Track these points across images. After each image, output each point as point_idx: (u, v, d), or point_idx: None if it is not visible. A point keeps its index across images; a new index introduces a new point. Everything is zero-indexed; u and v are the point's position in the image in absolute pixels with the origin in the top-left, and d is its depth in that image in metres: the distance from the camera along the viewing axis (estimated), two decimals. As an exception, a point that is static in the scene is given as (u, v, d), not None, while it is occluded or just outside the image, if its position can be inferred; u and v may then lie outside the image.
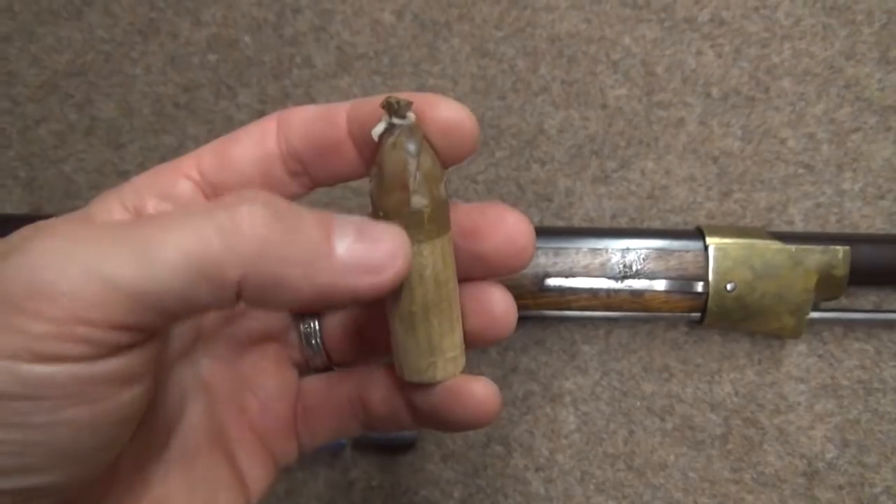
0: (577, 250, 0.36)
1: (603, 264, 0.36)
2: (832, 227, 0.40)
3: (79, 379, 0.16)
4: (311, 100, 0.42)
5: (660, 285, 0.35)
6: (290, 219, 0.18)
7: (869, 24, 0.41)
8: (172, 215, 0.18)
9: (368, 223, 0.19)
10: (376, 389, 0.24)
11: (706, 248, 0.36)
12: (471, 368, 0.41)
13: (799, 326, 0.36)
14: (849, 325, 0.39)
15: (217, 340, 0.24)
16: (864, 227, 0.40)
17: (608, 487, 0.38)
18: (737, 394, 0.39)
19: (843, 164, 0.40)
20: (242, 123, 0.42)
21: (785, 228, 0.40)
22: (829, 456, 0.38)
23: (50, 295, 0.16)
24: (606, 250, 0.36)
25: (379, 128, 0.19)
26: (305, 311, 0.25)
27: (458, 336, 0.21)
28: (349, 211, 0.41)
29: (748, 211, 0.40)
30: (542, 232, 0.37)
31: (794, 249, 0.35)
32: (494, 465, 0.39)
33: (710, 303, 0.35)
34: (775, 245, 0.35)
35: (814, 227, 0.40)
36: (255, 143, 0.22)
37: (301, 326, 0.25)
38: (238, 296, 0.18)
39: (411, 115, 0.19)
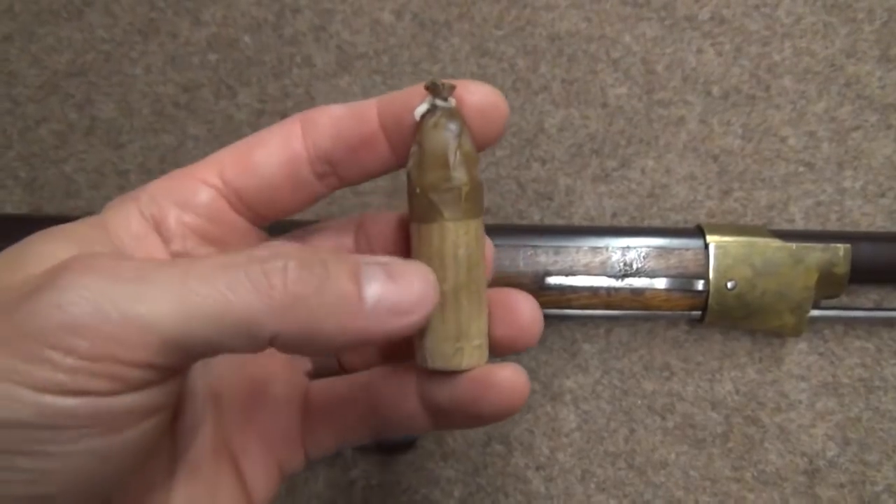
0: (578, 249, 0.36)
1: (603, 263, 0.36)
2: (833, 226, 0.40)
3: (100, 411, 0.16)
4: (311, 99, 0.42)
5: (660, 283, 0.35)
6: (320, 269, 0.18)
7: (870, 21, 0.41)
8: (210, 263, 0.18)
9: (396, 264, 0.19)
10: (390, 391, 0.23)
11: (706, 246, 0.36)
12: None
13: (800, 324, 0.36)
14: (850, 322, 0.39)
15: None
16: (864, 225, 0.40)
17: (609, 486, 0.38)
18: (738, 392, 0.39)
19: (843, 162, 0.40)
20: (242, 123, 0.42)
21: (786, 227, 0.40)
22: (830, 454, 0.38)
23: (84, 332, 0.16)
24: (607, 249, 0.36)
25: (422, 108, 0.20)
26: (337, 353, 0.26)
27: (484, 323, 0.21)
28: (348, 210, 0.41)
29: (749, 209, 0.40)
30: (543, 230, 0.37)
31: (794, 247, 0.35)
32: (495, 463, 0.39)
33: (710, 301, 0.35)
34: (776, 243, 0.35)
35: (814, 226, 0.40)
36: (279, 147, 0.21)
37: None
38: (270, 344, 0.18)
39: (452, 99, 0.20)
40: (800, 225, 0.40)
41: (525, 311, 0.22)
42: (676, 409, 0.39)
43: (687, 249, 0.36)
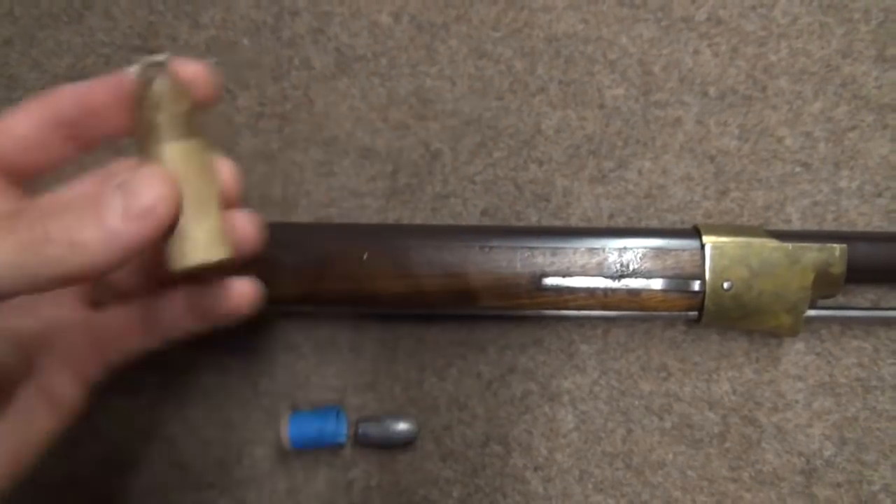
0: (575, 250, 0.36)
1: (600, 264, 0.36)
2: (829, 226, 0.40)
3: None
4: (309, 101, 0.42)
5: (657, 284, 0.36)
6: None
7: (866, 21, 0.41)
8: None
9: (130, 179, 0.22)
10: (165, 306, 0.29)
11: (703, 246, 0.36)
12: (468, 367, 0.41)
13: (796, 324, 0.36)
14: (846, 322, 0.39)
15: None
16: (861, 225, 0.40)
17: (607, 486, 0.39)
18: (735, 392, 0.39)
19: (840, 162, 0.40)
20: (242, 126, 0.42)
21: (782, 227, 0.40)
22: (827, 454, 0.38)
23: None
24: (603, 250, 0.36)
25: (137, 67, 0.24)
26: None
27: (214, 224, 0.24)
28: (347, 211, 0.41)
29: (745, 210, 0.40)
30: (540, 232, 0.38)
31: (790, 247, 0.35)
32: (493, 464, 0.39)
33: (707, 301, 0.36)
34: (772, 243, 0.36)
35: (811, 226, 0.40)
36: (29, 114, 0.26)
37: None
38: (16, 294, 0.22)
39: (160, 57, 0.24)
40: (796, 225, 0.40)
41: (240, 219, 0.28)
42: (674, 410, 0.39)
43: (683, 250, 0.36)
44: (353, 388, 0.40)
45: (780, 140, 0.41)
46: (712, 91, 0.41)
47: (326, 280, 0.35)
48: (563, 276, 0.36)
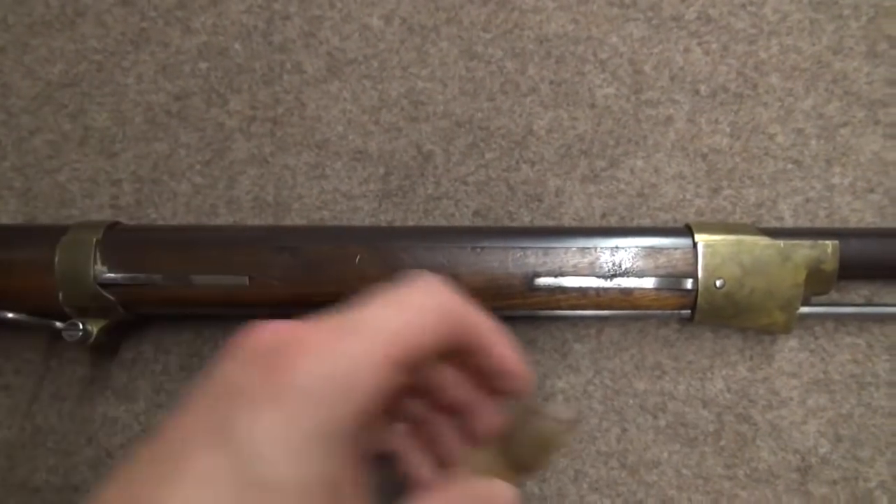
0: (567, 250, 0.36)
1: (592, 263, 0.36)
2: (822, 222, 0.40)
3: None
4: (301, 105, 0.42)
5: (649, 283, 0.36)
6: None
7: (856, 18, 0.41)
8: None
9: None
10: None
11: (695, 245, 0.36)
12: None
13: (789, 322, 0.36)
14: (840, 319, 0.39)
15: None
16: (854, 222, 0.40)
17: (602, 486, 0.39)
18: (729, 390, 0.39)
19: (832, 159, 0.40)
20: (234, 130, 0.42)
21: (775, 224, 0.40)
22: (822, 451, 0.38)
23: None
24: (595, 249, 0.36)
25: (552, 408, 0.26)
26: None
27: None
28: (340, 214, 0.41)
29: (738, 207, 0.40)
30: (532, 232, 0.38)
31: (782, 245, 0.35)
32: (489, 464, 0.39)
33: (699, 300, 0.35)
34: (764, 241, 0.36)
35: (804, 223, 0.40)
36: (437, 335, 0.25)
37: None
38: None
39: (571, 415, 0.26)
40: (789, 222, 0.40)
41: None
42: (668, 408, 0.39)
43: (675, 249, 0.36)
44: (347, 391, 0.40)
45: (771, 137, 0.41)
46: (703, 89, 0.41)
47: (320, 283, 0.36)
48: (556, 276, 0.36)
